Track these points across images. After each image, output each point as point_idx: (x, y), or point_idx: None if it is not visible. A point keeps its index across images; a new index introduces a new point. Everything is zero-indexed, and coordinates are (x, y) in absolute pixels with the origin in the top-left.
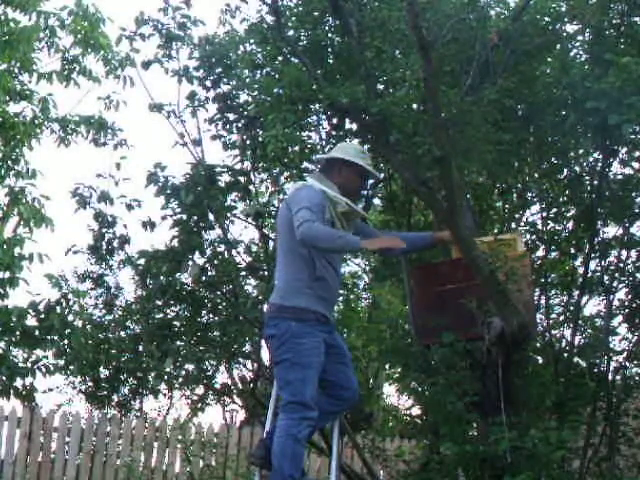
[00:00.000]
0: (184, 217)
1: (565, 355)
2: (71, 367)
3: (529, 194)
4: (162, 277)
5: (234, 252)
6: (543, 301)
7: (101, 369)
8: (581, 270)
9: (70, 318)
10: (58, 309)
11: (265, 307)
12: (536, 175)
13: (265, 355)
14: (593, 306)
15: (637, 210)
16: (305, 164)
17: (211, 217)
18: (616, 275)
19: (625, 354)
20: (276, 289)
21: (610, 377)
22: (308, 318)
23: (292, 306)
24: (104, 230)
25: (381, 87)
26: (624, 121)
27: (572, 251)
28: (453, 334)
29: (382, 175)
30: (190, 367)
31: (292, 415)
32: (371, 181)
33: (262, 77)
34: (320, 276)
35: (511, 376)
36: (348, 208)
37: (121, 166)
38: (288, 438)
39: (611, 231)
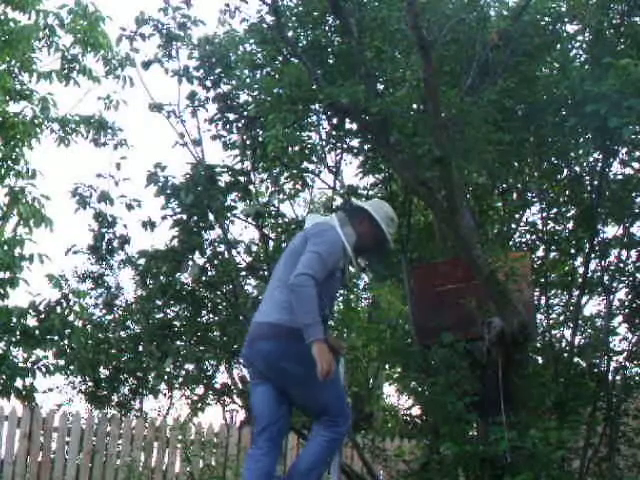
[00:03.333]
0: (184, 217)
1: (565, 355)
2: (71, 367)
3: (529, 194)
4: (162, 277)
5: (234, 252)
6: (543, 301)
7: (101, 369)
8: (581, 270)
9: (70, 318)
10: (58, 309)
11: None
12: (536, 175)
13: None
14: (593, 306)
15: (637, 210)
16: (305, 164)
17: (211, 217)
18: (616, 275)
19: (625, 354)
20: (280, 308)
21: (610, 377)
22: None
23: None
24: (104, 230)
25: (381, 87)
26: (624, 124)
27: (572, 251)
28: (453, 334)
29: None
30: (190, 367)
31: (342, 429)
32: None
33: (262, 77)
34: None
35: (511, 376)
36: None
37: (121, 166)
38: (328, 453)
39: (611, 231)
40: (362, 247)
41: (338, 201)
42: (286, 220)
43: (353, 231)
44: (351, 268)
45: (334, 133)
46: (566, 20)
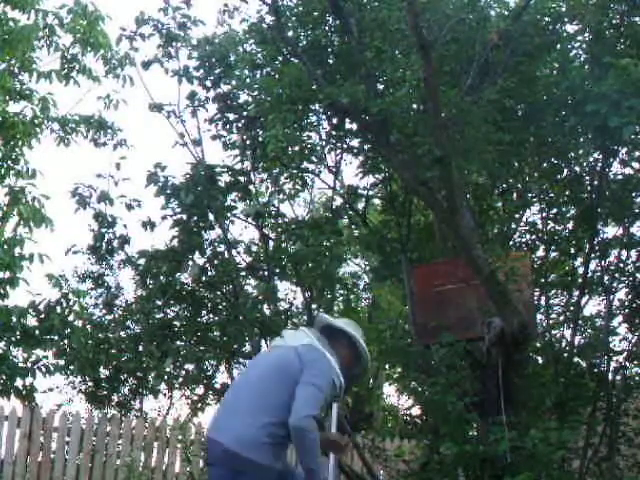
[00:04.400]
0: (184, 217)
1: (565, 355)
2: (71, 367)
3: (529, 194)
4: (162, 277)
5: (234, 252)
6: (543, 301)
7: (101, 369)
8: (581, 270)
9: (70, 318)
10: (58, 309)
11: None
12: (536, 175)
13: None
14: (593, 306)
15: (637, 210)
16: (305, 164)
17: (211, 217)
18: (616, 275)
19: (625, 354)
20: (250, 439)
21: (610, 377)
22: (270, 478)
23: (265, 465)
24: (104, 230)
25: (381, 87)
26: (624, 124)
27: (572, 251)
28: (453, 334)
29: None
30: (190, 367)
31: None
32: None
33: (262, 77)
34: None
35: (511, 376)
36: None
37: (121, 166)
38: None
39: (611, 231)
40: (344, 373)
41: (338, 201)
42: (286, 220)
43: (336, 356)
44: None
45: (334, 133)
46: (566, 20)
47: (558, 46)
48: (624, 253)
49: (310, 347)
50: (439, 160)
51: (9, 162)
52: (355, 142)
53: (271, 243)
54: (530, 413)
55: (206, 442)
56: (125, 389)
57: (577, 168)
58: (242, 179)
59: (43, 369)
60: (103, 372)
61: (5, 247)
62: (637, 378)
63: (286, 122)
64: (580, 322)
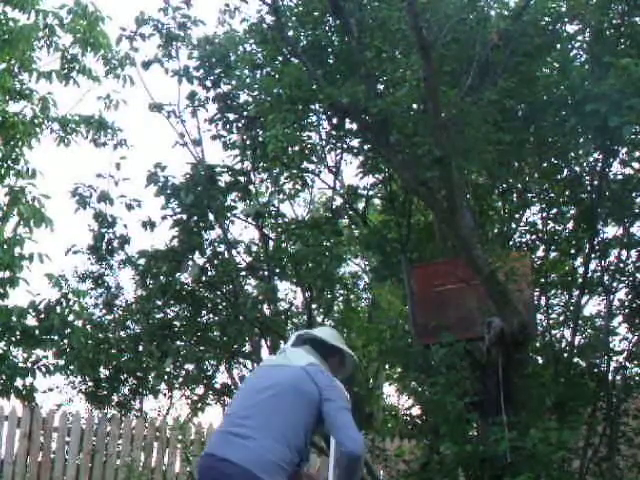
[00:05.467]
0: (184, 217)
1: (565, 355)
2: (71, 367)
3: (529, 194)
4: (162, 277)
5: (234, 252)
6: (543, 301)
7: (101, 369)
8: (581, 270)
9: (70, 318)
10: (58, 309)
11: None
12: (536, 175)
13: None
14: (593, 306)
15: (637, 210)
16: (305, 164)
17: (211, 217)
18: (616, 275)
19: (625, 354)
20: (267, 461)
21: (610, 377)
22: None
23: None
24: (104, 230)
25: (381, 87)
26: (624, 123)
27: (572, 251)
28: (453, 334)
29: None
30: (190, 367)
31: None
32: None
33: (262, 77)
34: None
35: (511, 376)
36: None
37: (121, 166)
38: None
39: (611, 231)
40: None
41: (338, 201)
42: (286, 220)
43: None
44: None
45: (334, 133)
46: (566, 20)
47: (558, 46)
48: (624, 253)
49: (315, 365)
50: (439, 160)
51: (9, 162)
52: (355, 142)
53: (271, 243)
54: (530, 413)
55: (205, 459)
56: (125, 389)
57: (577, 168)
58: (242, 179)
59: (43, 369)
60: (103, 372)
61: (5, 247)
62: (637, 378)
63: (286, 122)
64: (580, 322)
